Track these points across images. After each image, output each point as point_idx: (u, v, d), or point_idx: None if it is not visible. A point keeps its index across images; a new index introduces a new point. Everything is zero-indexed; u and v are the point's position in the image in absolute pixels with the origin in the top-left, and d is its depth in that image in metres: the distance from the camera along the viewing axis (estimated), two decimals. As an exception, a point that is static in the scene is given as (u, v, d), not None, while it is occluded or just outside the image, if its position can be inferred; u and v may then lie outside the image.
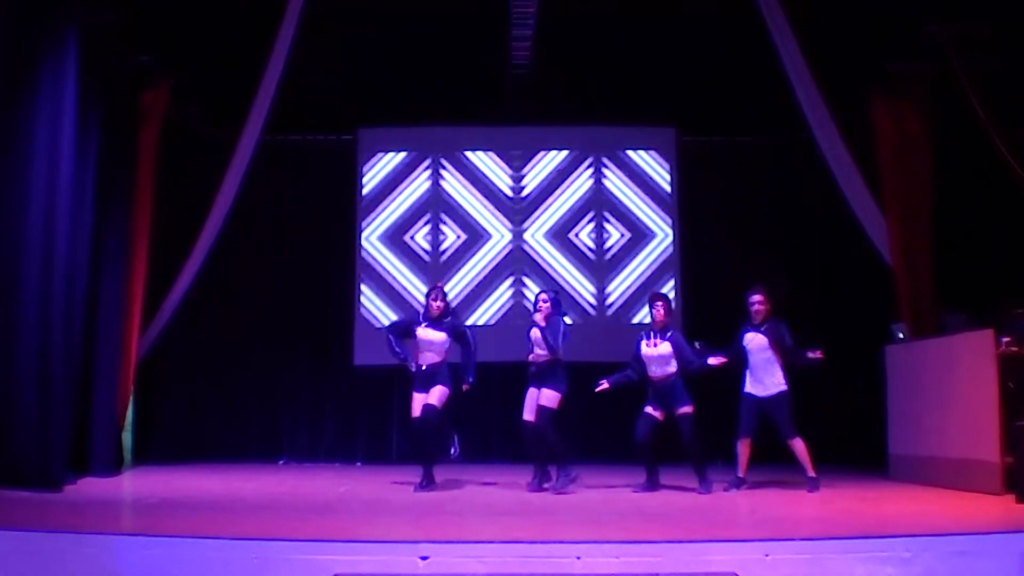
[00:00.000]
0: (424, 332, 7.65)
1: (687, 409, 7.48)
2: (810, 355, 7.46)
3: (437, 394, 7.50)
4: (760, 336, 7.57)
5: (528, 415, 7.64)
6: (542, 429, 7.50)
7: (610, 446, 10.22)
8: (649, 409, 7.62)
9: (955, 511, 6.12)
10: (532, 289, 11.09)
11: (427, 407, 7.46)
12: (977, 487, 7.00)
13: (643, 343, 7.68)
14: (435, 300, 7.66)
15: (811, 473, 7.53)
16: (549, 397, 7.52)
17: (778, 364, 7.56)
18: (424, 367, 7.60)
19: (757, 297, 7.65)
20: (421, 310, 8.14)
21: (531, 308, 7.94)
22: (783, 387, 7.55)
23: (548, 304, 7.62)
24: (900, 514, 6.15)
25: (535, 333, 7.62)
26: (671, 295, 11.08)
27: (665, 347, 7.58)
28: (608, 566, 4.48)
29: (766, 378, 7.55)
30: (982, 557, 4.62)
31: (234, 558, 4.52)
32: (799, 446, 7.51)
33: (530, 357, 7.69)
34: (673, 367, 7.59)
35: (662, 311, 7.69)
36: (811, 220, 10.81)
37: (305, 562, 4.47)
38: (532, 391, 7.64)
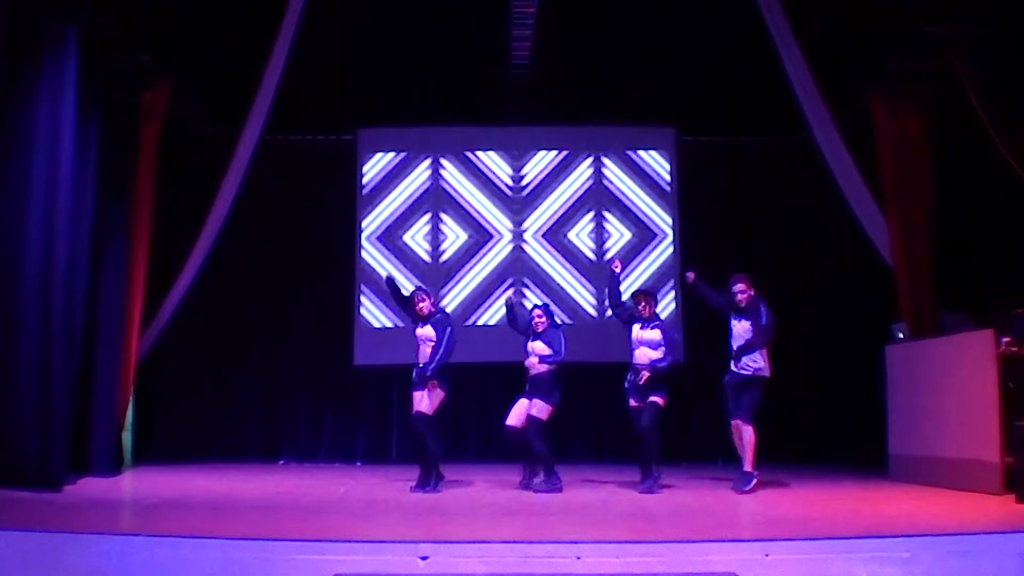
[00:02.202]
0: (420, 331, 7.73)
1: (655, 400, 7.55)
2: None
3: (426, 400, 7.55)
4: (744, 321, 7.61)
5: (512, 421, 7.81)
6: (529, 439, 7.66)
7: (612, 446, 10.22)
8: (631, 402, 7.69)
9: (955, 511, 6.12)
10: (532, 288, 11.12)
11: (418, 414, 7.56)
12: (977, 487, 6.99)
13: (635, 326, 7.79)
14: (420, 301, 7.75)
15: (748, 467, 7.46)
16: (540, 408, 7.68)
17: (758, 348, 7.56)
18: (420, 364, 7.65)
19: (740, 286, 7.65)
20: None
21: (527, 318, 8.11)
22: (763, 372, 7.53)
23: (544, 318, 7.92)
24: (900, 514, 6.15)
25: (533, 346, 7.83)
26: (671, 295, 11.13)
27: (655, 333, 7.70)
28: (608, 566, 4.48)
29: (734, 359, 7.57)
30: (982, 557, 4.62)
31: (234, 558, 4.52)
32: (749, 434, 7.47)
33: (528, 365, 7.86)
34: (658, 354, 7.64)
35: (647, 309, 7.81)
36: (811, 220, 10.81)
37: (305, 562, 4.47)
38: (523, 400, 7.84)
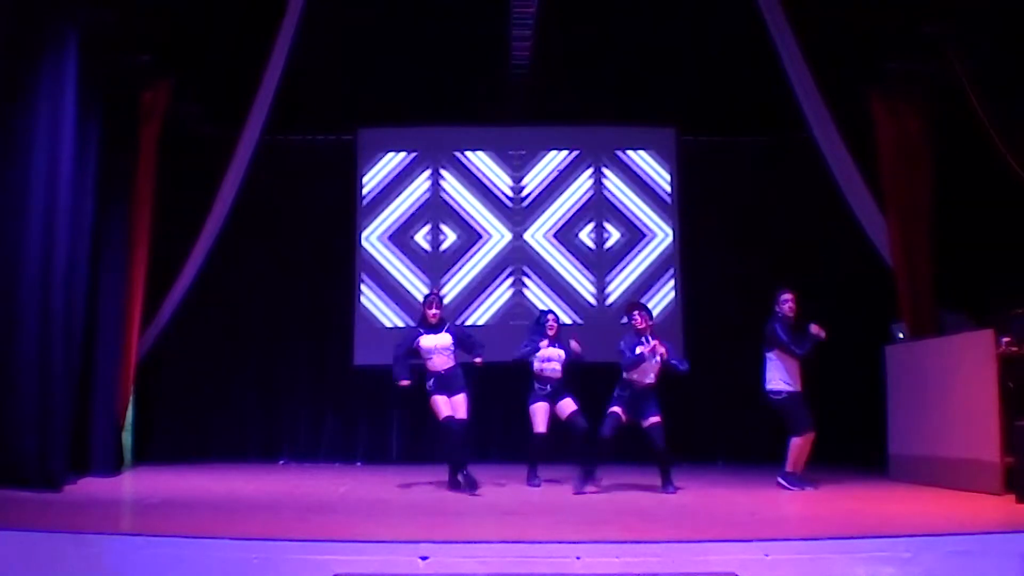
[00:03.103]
0: (430, 340, 7.72)
1: (657, 419, 7.58)
2: (812, 332, 7.57)
3: (464, 404, 7.67)
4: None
5: (543, 428, 8.13)
6: (590, 430, 7.93)
7: (612, 446, 10.21)
8: (618, 410, 7.59)
9: (955, 511, 6.12)
10: (532, 290, 11.12)
11: (462, 421, 7.63)
12: (977, 487, 7.00)
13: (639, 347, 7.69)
14: (433, 308, 7.78)
15: (790, 468, 7.62)
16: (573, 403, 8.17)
17: None
18: (443, 371, 7.70)
19: (789, 296, 7.73)
20: (415, 321, 8.21)
21: (535, 316, 8.32)
22: None
23: (557, 324, 8.27)
24: (900, 514, 6.15)
25: (551, 352, 8.13)
26: (671, 295, 11.13)
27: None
28: (608, 566, 4.48)
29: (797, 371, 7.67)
30: (982, 557, 4.63)
31: (234, 558, 4.52)
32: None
33: (546, 373, 8.16)
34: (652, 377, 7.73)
35: (640, 320, 7.76)
36: (811, 220, 10.81)
37: (305, 562, 4.47)
38: (544, 405, 8.14)
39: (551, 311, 8.63)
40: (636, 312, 7.79)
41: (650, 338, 7.63)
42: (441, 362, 7.69)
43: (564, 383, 8.22)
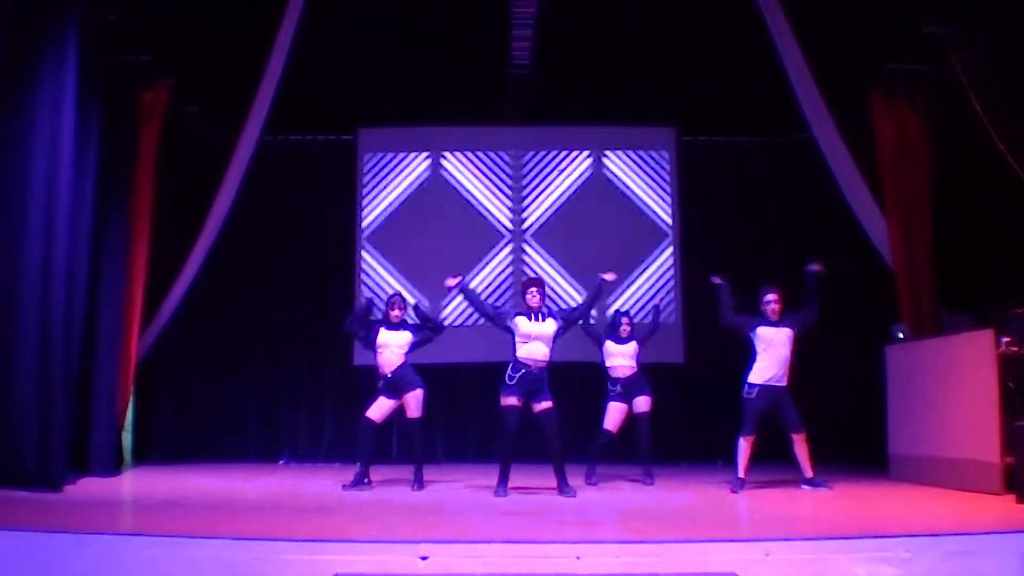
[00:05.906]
0: (386, 335, 7.80)
1: (549, 404, 7.25)
2: (811, 268, 7.67)
3: (416, 401, 7.74)
4: (785, 330, 7.57)
5: (610, 426, 8.32)
6: (646, 434, 8.35)
7: (613, 446, 10.21)
8: (513, 400, 7.24)
9: (955, 511, 6.12)
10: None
11: (413, 421, 7.79)
12: (977, 487, 7.00)
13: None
14: (393, 309, 7.85)
15: (808, 473, 7.57)
16: (649, 402, 8.35)
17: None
18: (389, 374, 7.75)
19: (772, 296, 7.65)
20: (380, 317, 8.15)
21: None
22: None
23: (631, 324, 8.44)
24: (900, 514, 6.16)
25: (624, 349, 8.27)
26: (671, 295, 11.13)
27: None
28: (608, 566, 4.48)
29: (782, 371, 7.54)
30: (982, 557, 4.63)
31: (234, 558, 4.52)
32: (804, 442, 7.55)
33: (618, 368, 8.28)
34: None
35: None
36: (811, 220, 10.81)
37: (305, 562, 4.47)
38: (619, 404, 8.27)
39: (624, 312, 8.65)
40: (535, 288, 7.41)
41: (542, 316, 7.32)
42: (390, 361, 7.73)
43: (640, 380, 8.28)
